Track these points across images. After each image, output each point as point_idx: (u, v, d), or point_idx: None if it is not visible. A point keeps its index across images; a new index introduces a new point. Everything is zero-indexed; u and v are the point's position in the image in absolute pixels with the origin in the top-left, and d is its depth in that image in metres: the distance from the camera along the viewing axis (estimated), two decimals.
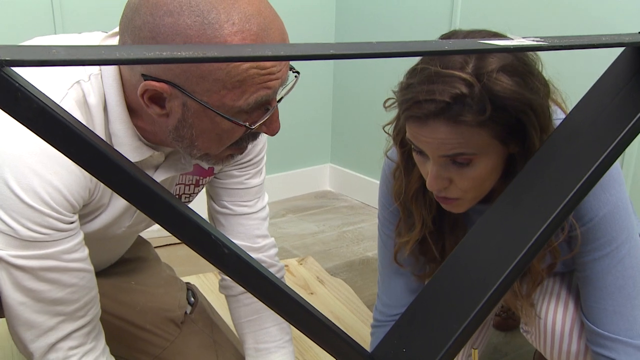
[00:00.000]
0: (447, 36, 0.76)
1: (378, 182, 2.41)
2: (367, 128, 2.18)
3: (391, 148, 0.90)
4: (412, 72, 0.74)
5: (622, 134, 0.56)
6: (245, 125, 0.65)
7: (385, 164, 0.96)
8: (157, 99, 0.63)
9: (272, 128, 0.69)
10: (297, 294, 0.48)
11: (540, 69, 0.75)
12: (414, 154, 0.80)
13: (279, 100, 0.68)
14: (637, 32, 0.60)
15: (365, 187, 2.23)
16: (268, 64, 0.61)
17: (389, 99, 0.80)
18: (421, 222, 0.88)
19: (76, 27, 1.62)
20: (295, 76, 0.69)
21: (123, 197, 0.41)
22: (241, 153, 0.74)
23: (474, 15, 1.69)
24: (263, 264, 0.94)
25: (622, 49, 0.62)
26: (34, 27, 1.56)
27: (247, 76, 0.61)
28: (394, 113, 0.82)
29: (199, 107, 0.63)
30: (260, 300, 0.48)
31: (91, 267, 0.73)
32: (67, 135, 0.38)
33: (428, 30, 1.83)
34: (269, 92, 0.63)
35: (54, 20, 1.59)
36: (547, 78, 0.76)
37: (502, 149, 0.74)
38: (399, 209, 0.91)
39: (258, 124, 0.66)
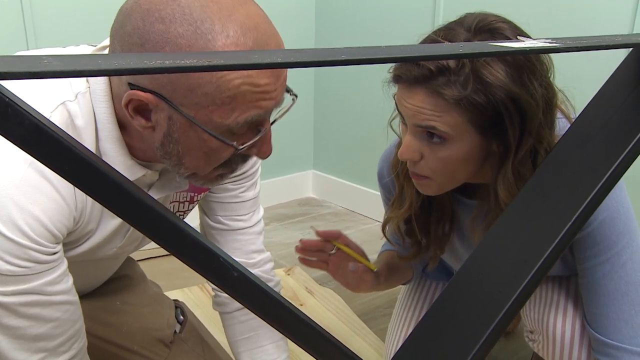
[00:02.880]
0: (464, 15, 0.75)
1: (362, 187, 2.37)
2: (349, 133, 2.16)
3: (395, 117, 0.89)
4: (422, 41, 0.76)
5: (636, 139, 0.55)
6: (233, 146, 0.60)
7: (385, 153, 0.96)
8: (142, 110, 0.60)
9: (263, 151, 0.65)
10: (310, 318, 0.45)
11: (552, 77, 0.74)
12: (400, 122, 0.80)
13: (272, 123, 0.64)
14: None
15: (349, 193, 2.21)
16: (262, 81, 0.58)
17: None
18: (409, 201, 0.88)
19: (48, 35, 1.56)
20: (293, 99, 0.65)
21: (123, 219, 0.38)
22: (232, 173, 0.69)
23: (457, 12, 1.68)
24: None
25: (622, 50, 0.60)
26: (3, 37, 1.49)
27: (239, 93, 0.57)
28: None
29: (186, 122, 0.59)
30: (271, 325, 0.45)
31: (76, 298, 0.69)
32: (61, 153, 0.34)
33: (410, 29, 1.82)
34: (260, 112, 0.60)
35: (25, 30, 1.53)
36: (559, 88, 0.74)
37: (479, 141, 0.73)
38: (395, 183, 0.91)
39: (247, 145, 0.62)
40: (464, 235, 0.92)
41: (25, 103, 0.32)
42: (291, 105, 0.65)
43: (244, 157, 0.67)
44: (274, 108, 0.62)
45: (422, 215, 0.89)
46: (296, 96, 0.66)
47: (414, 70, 0.70)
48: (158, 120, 0.60)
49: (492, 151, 0.74)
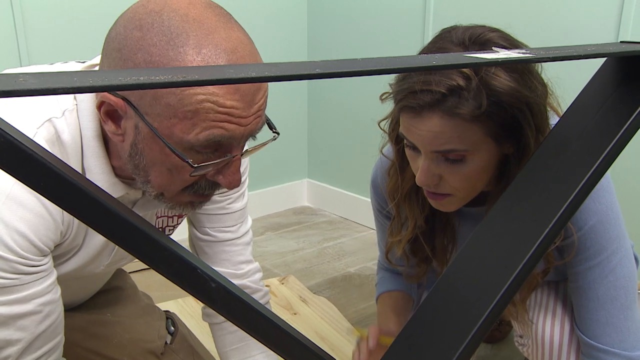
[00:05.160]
0: (447, 31, 0.75)
1: (356, 195, 2.38)
2: (343, 141, 2.17)
3: (386, 145, 0.89)
4: None
5: (611, 146, 0.56)
6: (188, 162, 0.58)
7: (379, 162, 0.94)
8: (113, 114, 0.60)
9: (229, 179, 0.63)
10: (291, 327, 0.46)
11: (539, 70, 0.75)
12: (406, 149, 0.78)
13: (243, 153, 0.63)
14: (619, 41, 0.60)
15: (343, 202, 2.21)
16: (228, 103, 0.56)
17: (384, 93, 0.79)
18: (414, 221, 0.87)
19: (41, 52, 1.57)
20: (274, 137, 0.65)
21: (99, 232, 0.38)
22: (202, 201, 0.67)
23: (447, 15, 1.70)
24: (247, 290, 0.91)
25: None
26: None
27: (200, 108, 0.56)
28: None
29: (149, 133, 0.58)
30: (252, 336, 0.45)
31: (61, 308, 0.69)
32: (35, 168, 0.35)
33: (401, 31, 1.84)
34: (223, 133, 0.58)
35: (18, 47, 1.54)
36: (546, 80, 0.76)
37: (495, 148, 0.73)
38: (393, 208, 0.90)
39: (204, 165, 0.59)
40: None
41: (1, 119, 0.33)
42: (269, 141, 0.64)
43: (213, 185, 0.65)
44: (244, 136, 0.60)
45: (427, 230, 0.89)
46: (278, 134, 0.65)
47: (425, 97, 0.69)
48: (126, 128, 0.60)
49: (504, 154, 0.75)
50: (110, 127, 0.61)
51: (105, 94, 0.58)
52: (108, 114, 0.60)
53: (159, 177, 0.62)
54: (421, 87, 0.68)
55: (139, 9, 0.58)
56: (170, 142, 0.57)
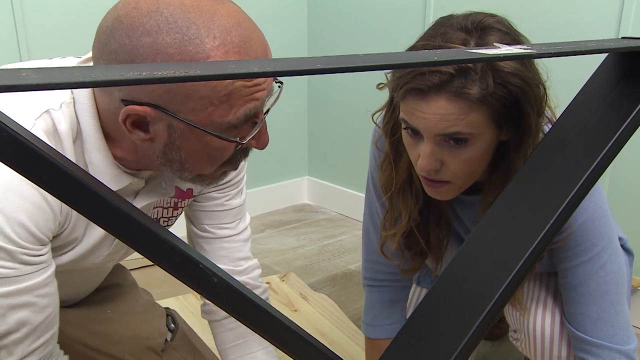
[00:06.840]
0: (445, 18, 0.75)
1: (356, 193, 2.38)
2: (344, 139, 2.17)
3: (380, 138, 0.89)
4: (412, 50, 0.74)
5: (612, 141, 0.56)
6: (236, 141, 0.62)
7: (374, 154, 0.94)
8: (140, 123, 0.61)
9: (262, 141, 0.67)
10: (293, 322, 0.46)
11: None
12: (404, 136, 0.78)
13: (266, 112, 0.66)
14: (620, 37, 0.60)
15: (344, 199, 2.21)
16: None
17: (380, 83, 0.79)
18: (408, 215, 0.87)
19: (41, 48, 1.57)
20: (279, 87, 0.67)
21: (102, 228, 0.38)
22: (235, 169, 0.71)
23: (448, 12, 1.69)
24: (247, 286, 0.91)
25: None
26: None
27: (234, 89, 0.58)
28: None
29: (186, 128, 0.60)
30: (254, 331, 0.45)
31: (58, 301, 0.69)
32: (39, 164, 0.35)
33: (401, 27, 1.84)
34: (257, 104, 0.61)
35: (18, 42, 1.54)
36: (545, 77, 0.76)
37: (495, 134, 0.74)
38: (386, 202, 0.89)
39: (249, 137, 0.64)
40: (461, 236, 0.93)
41: (3, 114, 0.33)
42: (279, 92, 0.66)
43: (245, 151, 0.69)
44: (266, 98, 0.63)
45: (422, 223, 0.89)
46: (282, 83, 0.67)
47: (433, 78, 0.68)
48: (157, 131, 0.61)
49: (500, 141, 0.75)
50: (138, 135, 0.61)
51: (130, 107, 0.58)
52: (135, 124, 0.60)
53: (198, 163, 0.65)
54: (429, 69, 0.69)
55: (133, 14, 0.56)
56: (210, 129, 0.60)
